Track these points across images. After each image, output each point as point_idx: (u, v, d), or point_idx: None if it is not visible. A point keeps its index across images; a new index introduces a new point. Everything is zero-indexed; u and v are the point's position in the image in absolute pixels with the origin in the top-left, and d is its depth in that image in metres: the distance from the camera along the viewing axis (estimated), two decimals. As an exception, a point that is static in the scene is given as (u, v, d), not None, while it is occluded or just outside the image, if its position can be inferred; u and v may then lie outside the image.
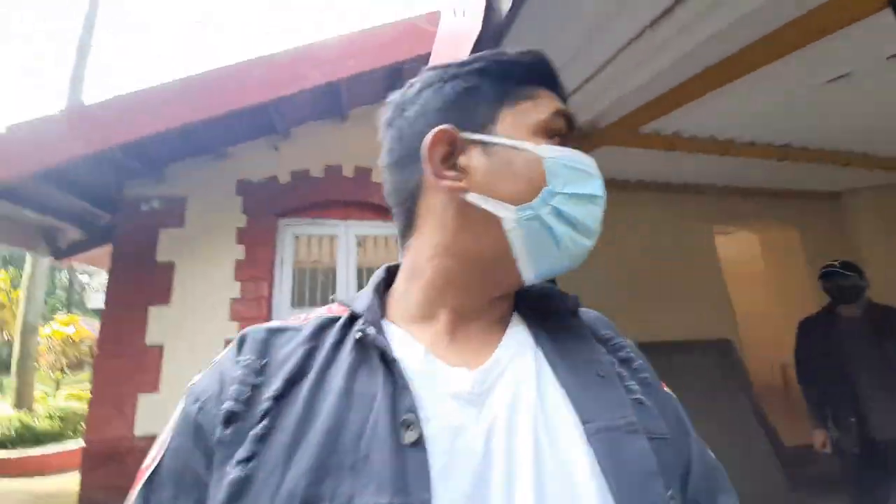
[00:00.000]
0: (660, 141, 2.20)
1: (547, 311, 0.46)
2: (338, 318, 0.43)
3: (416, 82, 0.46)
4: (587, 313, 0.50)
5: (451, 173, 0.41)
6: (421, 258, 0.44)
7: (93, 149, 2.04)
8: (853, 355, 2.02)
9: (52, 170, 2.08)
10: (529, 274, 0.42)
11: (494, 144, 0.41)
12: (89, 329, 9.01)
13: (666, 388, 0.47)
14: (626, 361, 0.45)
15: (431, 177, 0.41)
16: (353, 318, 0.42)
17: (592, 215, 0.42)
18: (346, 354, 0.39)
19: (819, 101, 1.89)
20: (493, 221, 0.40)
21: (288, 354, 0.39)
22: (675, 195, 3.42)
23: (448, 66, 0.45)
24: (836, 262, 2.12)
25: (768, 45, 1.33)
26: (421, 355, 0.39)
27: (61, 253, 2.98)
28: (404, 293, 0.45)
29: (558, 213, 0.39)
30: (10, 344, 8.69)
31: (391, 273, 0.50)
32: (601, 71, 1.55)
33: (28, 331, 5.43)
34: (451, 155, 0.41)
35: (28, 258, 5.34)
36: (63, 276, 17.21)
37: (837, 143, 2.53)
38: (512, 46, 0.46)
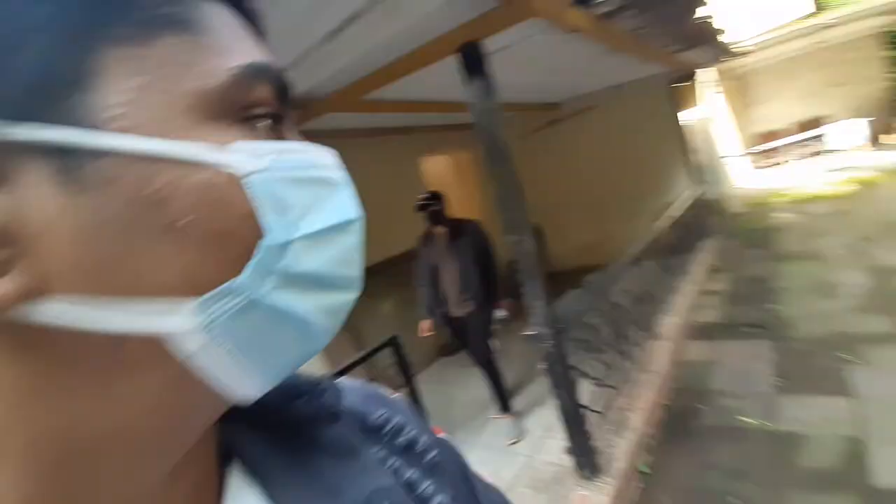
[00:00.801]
0: (368, 105, 2.60)
1: (292, 424, 0.28)
2: None
3: None
4: (349, 394, 0.33)
5: None
6: None
7: None
8: (441, 262, 2.51)
9: None
10: (248, 391, 0.20)
11: (99, 155, 0.16)
12: None
13: (442, 435, 0.37)
14: (409, 448, 0.32)
15: None
16: None
17: (349, 254, 0.22)
18: None
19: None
20: (143, 351, 0.17)
21: None
22: (389, 137, 4.08)
23: None
24: (425, 195, 2.55)
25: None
26: None
27: None
28: None
29: (296, 279, 0.19)
30: None
31: None
32: (322, 46, 1.66)
33: None
34: None
35: None
36: None
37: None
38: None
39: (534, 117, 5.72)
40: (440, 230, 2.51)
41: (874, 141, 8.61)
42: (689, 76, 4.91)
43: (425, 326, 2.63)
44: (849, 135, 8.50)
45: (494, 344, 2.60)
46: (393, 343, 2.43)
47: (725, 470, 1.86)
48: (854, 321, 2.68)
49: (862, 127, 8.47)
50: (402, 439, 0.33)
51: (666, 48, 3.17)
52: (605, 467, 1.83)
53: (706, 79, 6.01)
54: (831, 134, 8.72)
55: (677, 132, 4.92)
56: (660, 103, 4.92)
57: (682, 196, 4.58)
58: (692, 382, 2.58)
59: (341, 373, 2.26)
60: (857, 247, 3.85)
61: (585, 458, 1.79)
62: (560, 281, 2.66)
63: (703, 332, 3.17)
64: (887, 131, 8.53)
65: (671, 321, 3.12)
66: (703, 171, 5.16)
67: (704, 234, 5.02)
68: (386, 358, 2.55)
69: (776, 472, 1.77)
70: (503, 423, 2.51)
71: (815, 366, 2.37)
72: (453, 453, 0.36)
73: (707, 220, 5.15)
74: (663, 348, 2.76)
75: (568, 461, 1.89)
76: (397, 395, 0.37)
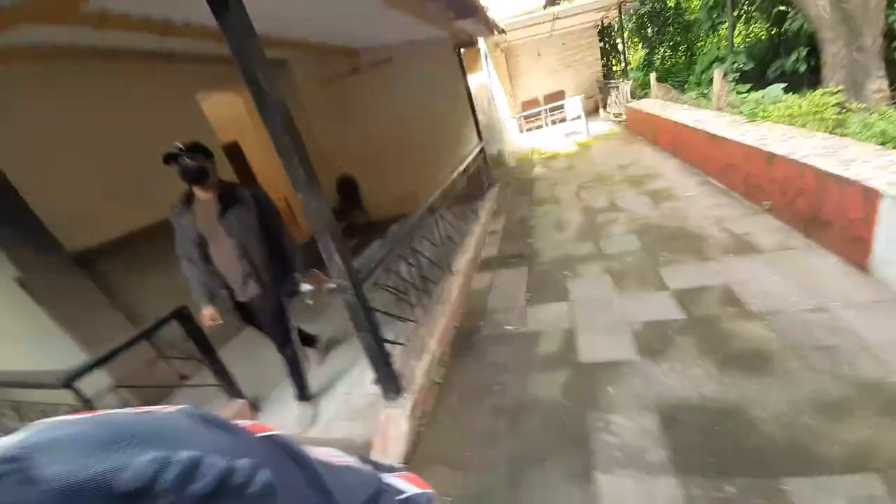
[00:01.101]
0: (87, 17, 1.91)
1: None
2: None
3: None
4: (62, 457, 0.20)
5: None
6: None
7: None
8: (211, 237, 1.96)
9: None
10: None
11: None
12: None
13: (267, 434, 0.30)
14: (220, 490, 0.22)
15: None
16: None
17: None
18: None
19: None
20: None
21: None
22: (155, 65, 3.15)
23: None
24: (180, 145, 1.81)
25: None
26: None
27: None
28: None
29: None
30: None
31: None
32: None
33: None
34: None
35: None
36: None
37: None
38: None
39: (335, 63, 5.36)
40: (205, 196, 1.93)
41: (591, 113, 11.57)
42: (472, 42, 5.41)
43: (207, 315, 2.11)
44: (575, 107, 11.14)
45: (294, 324, 2.26)
46: (179, 315, 2.08)
47: (493, 366, 2.39)
48: (573, 247, 3.71)
49: (581, 102, 11.22)
50: (201, 483, 0.21)
51: (441, 13, 3.37)
52: (407, 387, 2.09)
53: (483, 49, 6.75)
54: (567, 106, 11.24)
55: (466, 93, 5.45)
56: (450, 65, 5.30)
57: (473, 151, 5.20)
58: (476, 305, 3.13)
59: (108, 358, 1.80)
60: (576, 193, 5.24)
61: (389, 384, 2.00)
62: (379, 230, 2.73)
63: (486, 264, 3.83)
64: (603, 106, 11.56)
65: (464, 258, 3.64)
66: (486, 130, 5.94)
67: (489, 183, 5.90)
68: (176, 332, 2.17)
69: (524, 362, 2.37)
70: (298, 409, 2.28)
71: (549, 281, 3.21)
72: (285, 455, 0.28)
73: (490, 172, 6.05)
74: (457, 282, 3.23)
75: (377, 390, 2.07)
76: (182, 409, 0.25)
